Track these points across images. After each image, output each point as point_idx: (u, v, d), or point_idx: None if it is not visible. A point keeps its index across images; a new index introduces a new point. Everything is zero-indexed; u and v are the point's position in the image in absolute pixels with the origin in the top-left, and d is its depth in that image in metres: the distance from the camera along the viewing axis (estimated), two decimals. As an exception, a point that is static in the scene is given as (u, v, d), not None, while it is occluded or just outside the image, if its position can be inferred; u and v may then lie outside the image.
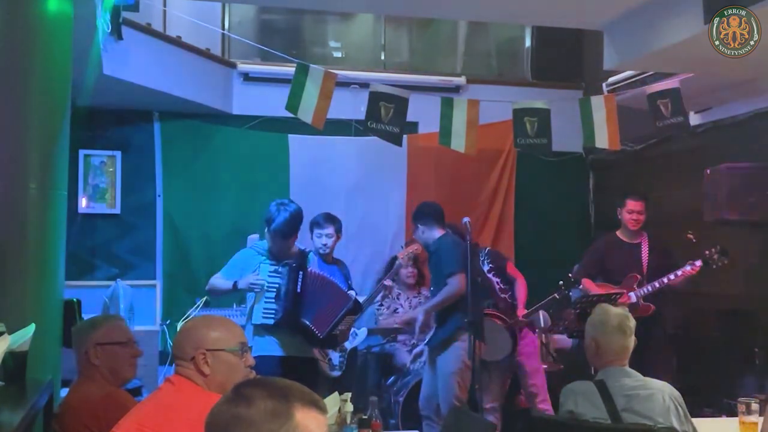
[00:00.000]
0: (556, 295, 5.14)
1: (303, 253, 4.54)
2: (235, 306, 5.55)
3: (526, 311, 5.16)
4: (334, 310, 4.41)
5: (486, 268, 5.22)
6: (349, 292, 5.04)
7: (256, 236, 4.71)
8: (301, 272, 4.30)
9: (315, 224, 5.23)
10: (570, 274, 5.19)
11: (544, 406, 5.13)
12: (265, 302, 4.31)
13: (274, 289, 4.30)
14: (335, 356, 5.16)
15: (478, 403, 4.90)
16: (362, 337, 5.47)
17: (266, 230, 4.38)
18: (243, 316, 4.90)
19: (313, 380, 4.48)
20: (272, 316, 4.29)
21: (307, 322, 4.29)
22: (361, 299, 5.28)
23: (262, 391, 1.41)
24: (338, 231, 5.27)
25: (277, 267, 4.33)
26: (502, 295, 5.26)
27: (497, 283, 5.26)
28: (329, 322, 4.38)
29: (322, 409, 1.45)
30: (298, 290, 4.27)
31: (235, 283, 4.35)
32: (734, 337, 5.31)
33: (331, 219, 5.25)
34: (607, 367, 2.99)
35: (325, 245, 5.18)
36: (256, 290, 4.31)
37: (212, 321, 2.28)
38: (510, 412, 5.35)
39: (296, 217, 4.37)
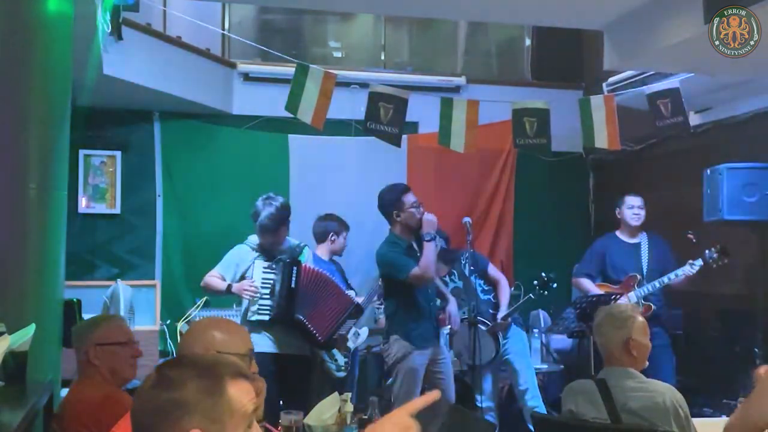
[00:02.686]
0: (531, 295, 5.17)
1: (296, 248, 4.50)
2: (235, 306, 5.54)
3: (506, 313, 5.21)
4: (334, 311, 4.39)
5: (466, 271, 5.21)
6: (348, 292, 5.04)
7: (242, 245, 4.67)
8: (295, 267, 4.28)
9: (346, 228, 5.45)
10: (543, 273, 5.20)
11: (534, 403, 5.15)
12: (260, 298, 4.30)
13: (269, 286, 4.29)
14: (340, 357, 5.17)
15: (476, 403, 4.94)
16: (364, 337, 5.47)
17: (254, 226, 4.40)
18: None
19: (308, 378, 4.45)
20: (267, 312, 4.28)
21: (301, 317, 4.26)
22: (359, 299, 5.31)
23: (190, 370, 1.41)
24: (347, 230, 5.49)
25: (270, 263, 4.32)
26: (485, 297, 5.27)
27: (479, 285, 5.26)
28: (329, 324, 4.36)
29: (248, 376, 1.48)
30: (293, 285, 4.26)
31: (229, 285, 4.35)
32: (734, 337, 5.31)
33: (343, 223, 5.52)
34: (609, 366, 2.99)
35: (343, 248, 5.39)
36: (246, 297, 4.30)
37: (222, 324, 2.26)
38: (508, 413, 5.36)
39: (282, 211, 4.36)
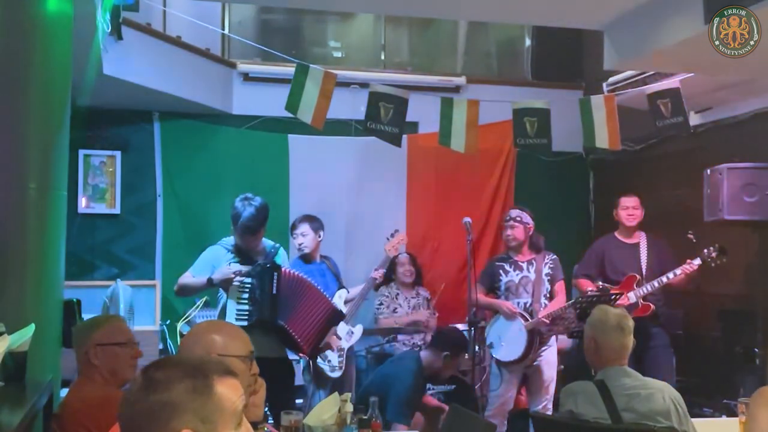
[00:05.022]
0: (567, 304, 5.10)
1: (272, 249, 4.38)
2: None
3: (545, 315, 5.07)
4: (316, 318, 4.24)
5: (546, 271, 5.13)
6: (340, 291, 4.98)
7: (216, 246, 4.55)
8: (275, 273, 4.13)
9: (291, 227, 5.37)
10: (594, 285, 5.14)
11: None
12: (238, 303, 4.13)
13: (248, 290, 4.13)
14: (334, 357, 5.15)
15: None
16: (358, 335, 5.45)
17: (232, 227, 4.25)
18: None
19: (285, 380, 4.31)
20: (246, 318, 4.10)
21: (284, 324, 4.13)
22: (356, 291, 5.38)
23: (176, 371, 1.40)
24: (316, 229, 5.31)
25: (249, 267, 4.16)
26: (543, 301, 5.14)
27: (545, 289, 5.16)
28: (311, 331, 4.23)
29: (235, 374, 1.47)
30: (274, 291, 4.10)
31: (210, 279, 4.16)
32: (734, 337, 5.31)
33: (306, 218, 5.36)
34: (607, 367, 2.99)
35: (301, 245, 5.26)
36: (235, 284, 4.12)
37: (222, 327, 2.27)
38: (511, 416, 5.34)
39: (262, 212, 4.22)
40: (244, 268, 4.16)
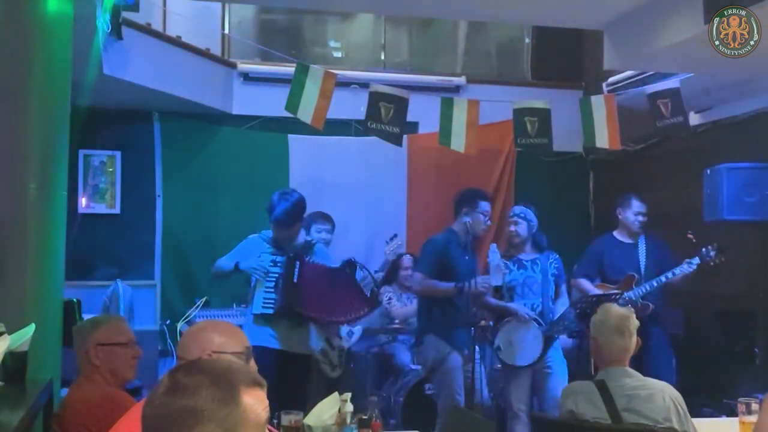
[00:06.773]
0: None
1: (308, 243, 4.54)
2: (234, 306, 5.55)
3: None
4: (347, 306, 4.41)
5: (551, 271, 5.05)
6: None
7: (255, 236, 4.71)
8: (297, 262, 4.31)
9: (314, 220, 5.41)
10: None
11: None
12: (265, 292, 4.33)
13: (274, 279, 4.33)
14: (334, 356, 5.16)
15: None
16: (358, 335, 5.45)
17: (269, 219, 4.44)
18: (242, 316, 4.91)
19: (307, 376, 4.47)
20: (271, 305, 4.31)
21: (305, 311, 4.30)
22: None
23: (203, 378, 1.39)
24: (332, 230, 5.51)
25: (276, 257, 4.36)
26: (550, 303, 5.10)
27: (551, 290, 5.11)
28: (346, 311, 4.40)
29: (262, 385, 1.45)
30: (295, 280, 4.28)
31: (237, 264, 4.40)
32: (734, 337, 5.31)
33: (328, 217, 5.52)
34: (608, 367, 3.00)
35: (324, 240, 5.32)
36: (256, 275, 4.34)
37: (219, 325, 2.28)
38: (506, 413, 5.33)
39: (297, 207, 4.39)
40: (266, 267, 4.36)
